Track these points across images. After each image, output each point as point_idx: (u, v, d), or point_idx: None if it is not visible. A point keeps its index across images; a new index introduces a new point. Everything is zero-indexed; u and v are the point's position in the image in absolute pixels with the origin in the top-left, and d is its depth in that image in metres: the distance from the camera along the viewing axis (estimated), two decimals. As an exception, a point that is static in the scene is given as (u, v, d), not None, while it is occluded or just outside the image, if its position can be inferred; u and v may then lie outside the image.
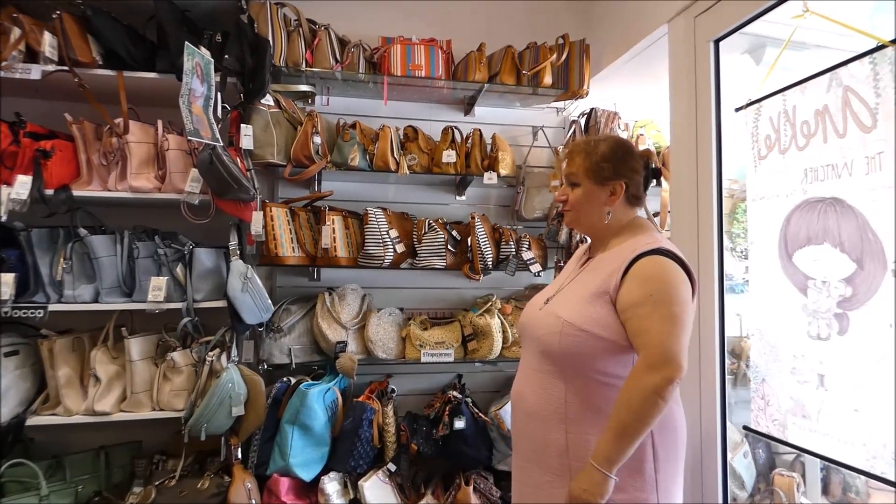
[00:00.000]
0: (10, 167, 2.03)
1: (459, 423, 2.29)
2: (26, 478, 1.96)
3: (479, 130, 2.59)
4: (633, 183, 1.45)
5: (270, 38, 2.27)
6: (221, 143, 2.01)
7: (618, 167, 1.43)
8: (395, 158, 2.42)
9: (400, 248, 2.40)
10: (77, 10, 2.03)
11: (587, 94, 2.65)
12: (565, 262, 2.59)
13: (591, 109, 2.70)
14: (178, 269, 2.12)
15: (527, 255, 2.51)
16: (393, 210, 2.49)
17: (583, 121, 2.72)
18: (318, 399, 2.17)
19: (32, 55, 2.01)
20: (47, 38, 1.99)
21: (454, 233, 2.48)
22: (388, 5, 2.71)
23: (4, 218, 1.95)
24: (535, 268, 2.52)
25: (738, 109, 1.72)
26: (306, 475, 2.11)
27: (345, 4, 2.64)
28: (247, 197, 2.11)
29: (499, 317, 2.50)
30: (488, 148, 2.62)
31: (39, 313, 1.97)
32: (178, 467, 2.11)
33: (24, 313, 1.96)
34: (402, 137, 2.52)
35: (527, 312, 1.54)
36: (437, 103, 2.78)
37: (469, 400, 2.42)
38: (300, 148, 2.30)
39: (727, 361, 1.82)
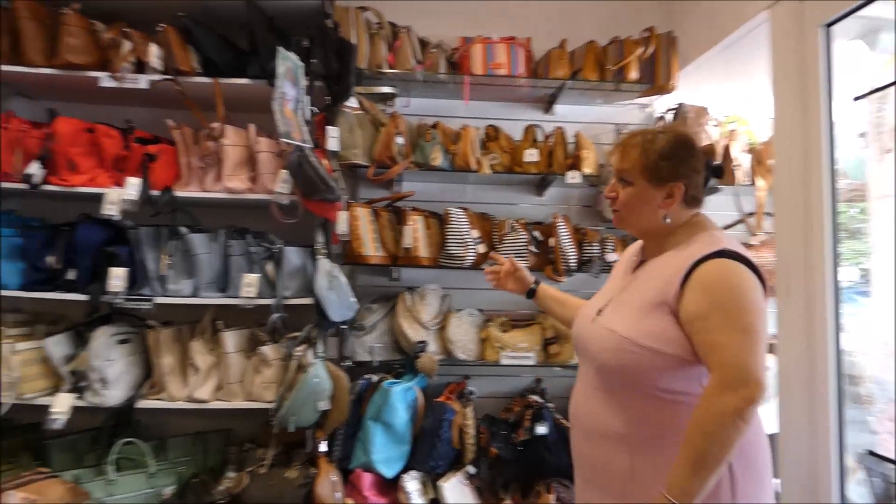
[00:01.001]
0: (122, 170, 2.19)
1: (542, 429, 2.24)
2: (136, 455, 2.11)
3: (562, 129, 2.53)
4: (692, 184, 1.29)
5: (354, 41, 2.32)
6: (311, 145, 2.08)
7: (678, 167, 1.27)
8: (476, 158, 2.41)
9: (481, 248, 2.39)
10: (179, 23, 2.16)
11: (674, 89, 2.53)
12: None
13: (679, 105, 2.58)
14: (269, 267, 2.21)
15: (611, 256, 2.43)
16: (473, 210, 2.48)
17: (670, 117, 2.60)
18: (400, 397, 2.19)
19: (140, 66, 2.16)
20: (153, 49, 2.14)
21: (536, 233, 2.44)
22: (469, 6, 2.70)
23: (117, 217, 2.11)
24: (619, 270, 2.43)
25: (857, 98, 1.58)
26: (388, 472, 2.15)
27: (426, 6, 2.66)
28: (332, 197, 2.17)
29: (581, 319, 2.43)
30: (571, 146, 2.56)
31: (147, 305, 2.12)
32: (267, 456, 2.20)
33: (134, 305, 2.12)
34: (483, 137, 2.51)
35: (579, 324, 1.41)
36: (518, 102, 2.74)
37: (551, 406, 2.37)
38: (383, 149, 2.34)
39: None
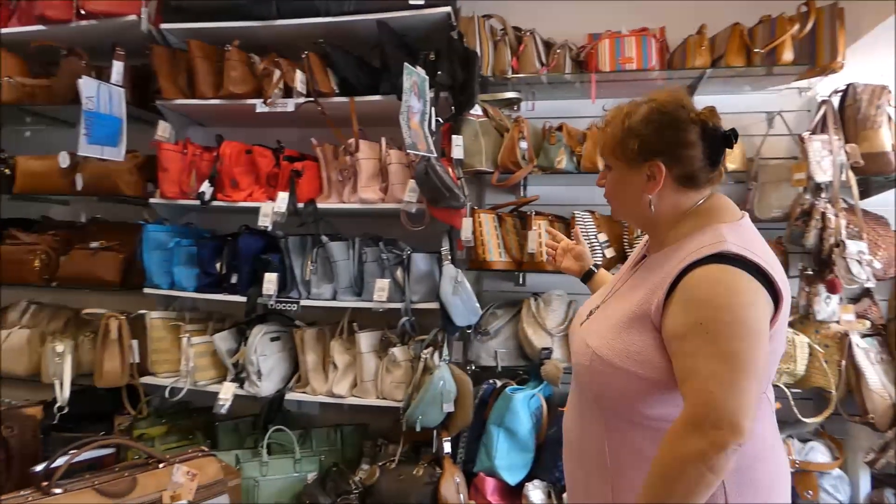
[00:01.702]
0: (274, 186, 2.45)
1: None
2: (285, 442, 2.34)
3: (701, 122, 2.32)
4: (680, 162, 1.04)
5: (478, 50, 2.35)
6: (436, 155, 2.15)
7: (650, 143, 1.04)
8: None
9: (609, 252, 2.28)
10: (319, 48, 2.36)
11: (842, 67, 2.19)
12: (811, 269, 2.19)
13: (848, 86, 2.23)
14: (398, 273, 2.32)
15: (760, 261, 2.17)
16: (601, 213, 2.38)
17: (836, 100, 2.26)
18: (524, 404, 2.17)
19: (288, 91, 2.40)
20: (298, 75, 2.36)
21: (670, 236, 2.27)
22: (594, 3, 2.59)
23: (270, 227, 2.36)
24: (772, 276, 2.17)
25: None
26: (511, 478, 2.13)
27: (550, 6, 2.61)
28: (457, 204, 2.22)
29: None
30: (711, 141, 2.34)
31: (294, 307, 2.35)
32: (397, 452, 2.30)
33: (283, 306, 2.36)
34: (610, 136, 2.39)
35: (573, 323, 1.23)
36: (650, 96, 2.57)
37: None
38: (507, 154, 2.34)
39: None
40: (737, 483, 0.97)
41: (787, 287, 1.00)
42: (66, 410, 2.20)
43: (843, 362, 2.11)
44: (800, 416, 2.13)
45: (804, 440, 2.19)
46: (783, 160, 2.40)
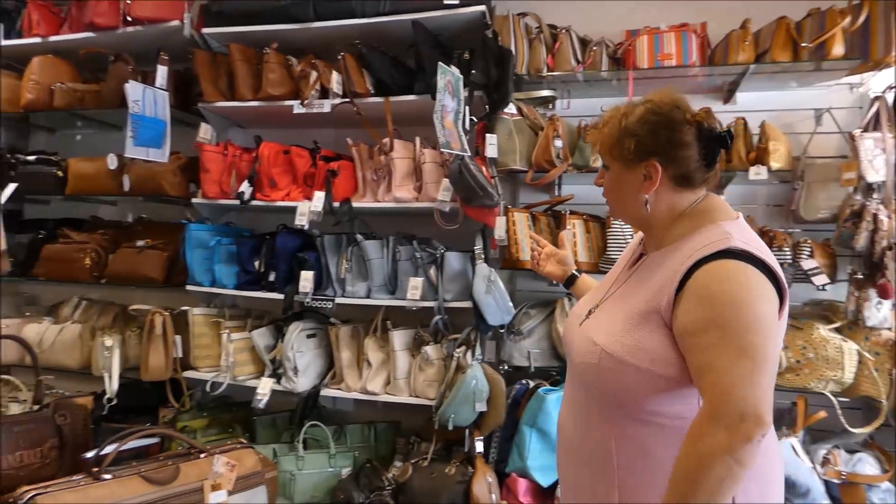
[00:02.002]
0: (310, 185, 2.50)
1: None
2: (320, 437, 2.38)
3: (744, 119, 2.26)
4: (675, 162, 1.06)
5: (513, 48, 2.34)
6: (469, 154, 2.15)
7: (646, 143, 1.06)
8: (640, 158, 2.27)
9: (645, 253, 2.24)
10: (355, 49, 2.39)
11: (897, 61, 2.09)
12: (861, 273, 2.10)
13: (904, 80, 2.13)
14: (432, 271, 2.33)
15: (808, 263, 2.09)
16: (637, 213, 2.33)
17: (891, 96, 2.16)
18: (556, 405, 2.15)
19: (324, 92, 2.43)
20: (334, 76, 2.40)
21: (710, 237, 2.21)
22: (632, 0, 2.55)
23: (306, 226, 2.41)
24: (820, 280, 2.09)
25: None
26: (543, 480, 2.12)
27: (586, 4, 2.57)
28: (491, 203, 2.22)
29: (767, 335, 2.14)
30: (755, 139, 2.27)
31: (329, 304, 2.39)
32: (429, 450, 2.31)
33: (319, 304, 2.40)
34: (648, 134, 2.35)
35: (568, 324, 1.23)
36: (690, 94, 2.47)
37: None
38: (541, 153, 2.32)
39: None
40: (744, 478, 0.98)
41: (785, 283, 1.01)
42: (114, 402, 2.30)
43: (895, 371, 2.02)
44: (847, 427, 2.05)
45: (851, 451, 2.10)
46: (832, 159, 2.31)
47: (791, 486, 1.89)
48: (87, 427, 1.44)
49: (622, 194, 1.13)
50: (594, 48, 2.35)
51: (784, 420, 2.14)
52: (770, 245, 2.19)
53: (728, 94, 2.46)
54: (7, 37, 2.80)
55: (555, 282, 1.58)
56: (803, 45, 2.14)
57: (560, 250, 1.55)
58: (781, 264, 2.13)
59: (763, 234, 2.23)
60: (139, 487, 1.25)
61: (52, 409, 1.39)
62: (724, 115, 2.35)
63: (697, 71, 2.29)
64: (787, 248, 2.15)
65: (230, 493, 1.37)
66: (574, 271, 1.53)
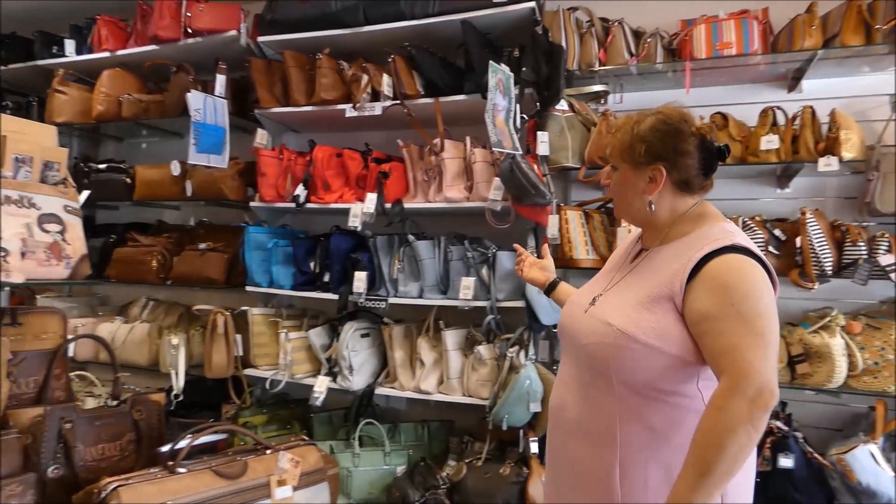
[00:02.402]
0: (362, 187, 2.54)
1: (786, 462, 1.94)
2: (375, 435, 2.42)
3: (812, 108, 2.14)
4: (678, 167, 1.18)
5: (563, 44, 2.30)
6: (521, 152, 2.13)
7: (655, 148, 1.18)
8: (699, 151, 2.19)
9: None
10: (405, 51, 2.41)
11: None
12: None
13: None
14: (483, 271, 2.33)
15: (885, 259, 1.97)
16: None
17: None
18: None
19: (375, 94, 2.47)
20: (385, 79, 2.42)
21: (777, 232, 2.12)
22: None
23: (359, 227, 2.45)
24: (897, 275, 1.97)
25: None
26: (602, 482, 2.08)
27: (640, -6, 2.51)
28: (543, 201, 2.19)
29: (842, 336, 2.03)
30: (823, 128, 2.15)
31: (382, 304, 2.42)
32: (483, 450, 2.31)
33: (372, 304, 2.43)
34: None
35: (568, 312, 1.32)
36: (751, 83, 2.41)
37: (798, 435, 2.03)
38: (594, 149, 2.28)
39: None
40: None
41: (775, 276, 1.14)
42: (180, 398, 2.41)
43: None
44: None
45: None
46: (910, 146, 2.16)
47: (872, 496, 1.79)
48: (161, 422, 1.51)
49: (628, 195, 1.25)
50: (648, 40, 2.28)
51: (861, 426, 2.03)
52: (843, 239, 2.08)
53: (793, 83, 2.34)
54: (79, 52, 2.97)
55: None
56: (877, 27, 2.02)
57: (542, 259, 1.66)
58: (856, 260, 2.03)
59: (835, 227, 2.12)
60: (211, 481, 1.30)
61: (130, 405, 1.47)
62: (790, 105, 2.25)
63: (760, 59, 2.20)
64: (861, 243, 2.03)
65: (295, 488, 1.41)
66: (553, 278, 1.62)
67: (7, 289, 1.37)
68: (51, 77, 2.92)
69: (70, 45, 2.96)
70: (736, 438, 0.98)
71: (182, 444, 1.32)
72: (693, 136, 1.19)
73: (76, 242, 1.46)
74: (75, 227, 1.48)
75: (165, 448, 1.39)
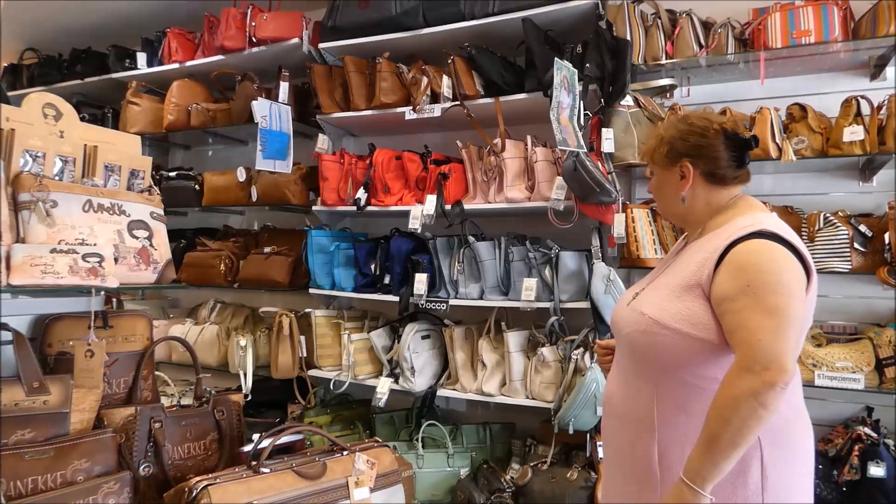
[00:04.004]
0: (422, 189, 2.54)
1: (877, 470, 1.82)
2: (437, 437, 2.42)
3: (899, 96, 2.02)
4: (704, 161, 1.25)
5: (628, 38, 2.24)
6: (585, 150, 2.09)
7: (678, 147, 1.27)
8: (776, 143, 2.09)
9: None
10: (464, 52, 2.40)
11: None
12: None
13: None
14: (546, 272, 2.29)
15: None
16: (773, 204, 2.16)
17: None
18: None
19: (434, 96, 2.47)
20: (444, 80, 2.42)
21: (862, 227, 2.00)
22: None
23: (419, 229, 2.45)
24: None
25: None
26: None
27: (707, -17, 2.42)
28: (608, 200, 2.14)
29: (937, 337, 1.90)
30: (912, 116, 2.02)
31: (443, 306, 2.42)
32: (548, 454, 2.27)
33: (433, 305, 2.44)
34: (784, 119, 2.16)
35: (616, 307, 1.40)
36: (830, 72, 2.28)
37: (889, 442, 1.91)
38: (661, 146, 2.21)
39: None
40: (771, 442, 1.13)
41: (811, 263, 1.16)
42: (249, 398, 2.47)
43: None
44: None
45: None
46: None
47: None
48: (240, 422, 1.55)
49: (665, 194, 1.33)
50: (719, 30, 2.20)
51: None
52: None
53: (876, 70, 2.21)
54: (150, 65, 3.11)
55: None
56: (975, 6, 1.88)
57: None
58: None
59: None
60: (293, 482, 1.32)
61: (212, 405, 1.51)
62: (874, 93, 2.12)
63: (840, 46, 2.08)
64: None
65: (371, 490, 1.42)
66: None
67: (102, 293, 1.44)
68: (124, 89, 3.06)
69: (142, 57, 3.10)
70: (738, 412, 1.03)
71: (264, 444, 1.35)
72: (714, 131, 1.26)
73: (162, 247, 1.52)
74: (161, 232, 1.54)
75: (248, 448, 1.42)
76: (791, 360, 1.06)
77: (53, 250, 1.23)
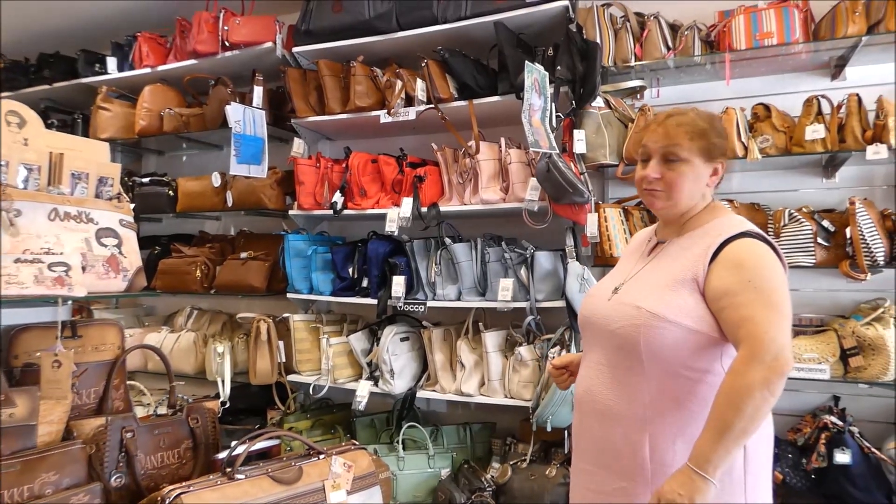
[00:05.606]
0: (399, 192, 2.55)
1: (842, 457, 1.88)
2: (418, 438, 2.43)
3: (857, 95, 2.08)
4: (723, 162, 1.32)
5: (598, 40, 2.28)
6: (557, 151, 2.11)
7: (718, 144, 1.30)
8: (742, 143, 2.15)
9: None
10: (438, 56, 2.42)
11: None
12: None
13: None
14: (522, 272, 2.32)
15: (942, 247, 1.90)
16: (740, 201, 2.21)
17: None
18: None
19: (409, 99, 2.48)
20: (419, 83, 2.44)
21: (825, 223, 2.06)
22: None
23: (396, 232, 2.46)
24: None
25: None
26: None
27: (673, -13, 2.47)
28: (581, 200, 2.17)
29: (896, 327, 1.96)
30: (870, 115, 2.09)
31: (421, 308, 2.43)
32: (527, 452, 2.30)
33: (411, 307, 2.44)
34: (749, 118, 2.22)
35: (590, 304, 1.39)
36: (793, 72, 2.35)
37: (854, 430, 1.97)
38: (632, 146, 2.25)
39: None
40: (755, 442, 1.20)
41: (785, 262, 1.25)
42: (227, 405, 2.45)
43: None
44: None
45: None
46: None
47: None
48: (216, 429, 1.54)
49: (693, 186, 1.30)
50: (685, 33, 2.25)
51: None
52: (894, 229, 2.01)
53: (836, 70, 2.28)
54: (121, 69, 3.07)
55: None
56: (926, 9, 1.95)
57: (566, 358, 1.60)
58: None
59: (885, 217, 2.05)
60: (269, 487, 1.32)
61: (186, 413, 1.50)
62: (834, 93, 2.19)
63: (801, 48, 2.14)
64: (916, 233, 1.96)
65: (349, 493, 1.42)
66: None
67: (70, 303, 1.42)
68: (94, 94, 3.02)
69: (112, 62, 3.06)
70: (752, 400, 1.08)
71: (239, 450, 1.35)
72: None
73: (132, 255, 1.50)
74: (130, 240, 1.52)
75: (222, 455, 1.42)
76: (790, 350, 1.12)
77: (17, 260, 1.21)
